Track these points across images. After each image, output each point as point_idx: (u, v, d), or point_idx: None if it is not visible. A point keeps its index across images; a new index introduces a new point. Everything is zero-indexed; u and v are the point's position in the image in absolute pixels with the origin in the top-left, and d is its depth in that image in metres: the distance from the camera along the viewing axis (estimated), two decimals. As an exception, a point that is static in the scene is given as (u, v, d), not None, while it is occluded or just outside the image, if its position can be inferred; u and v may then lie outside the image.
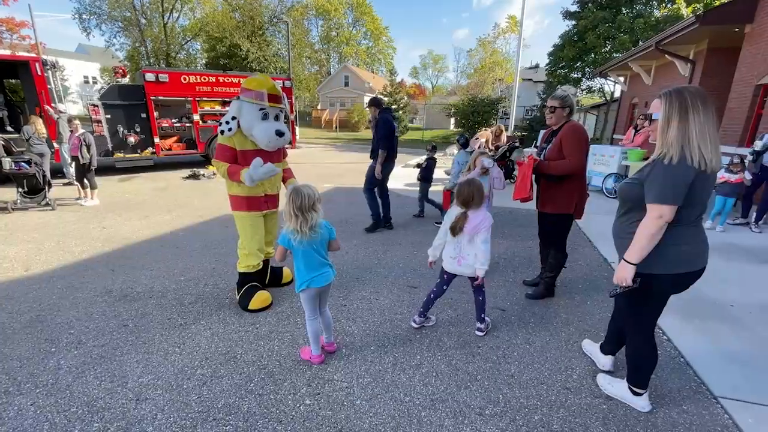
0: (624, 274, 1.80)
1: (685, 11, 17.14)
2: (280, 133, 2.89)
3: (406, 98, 28.77)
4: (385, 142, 4.93)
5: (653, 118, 1.76)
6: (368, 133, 28.31)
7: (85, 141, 6.30)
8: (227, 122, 2.84)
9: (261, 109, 2.84)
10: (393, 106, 26.10)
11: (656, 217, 1.67)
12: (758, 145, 5.49)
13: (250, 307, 2.99)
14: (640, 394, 2.04)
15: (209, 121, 10.78)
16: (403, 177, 10.00)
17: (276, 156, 3.12)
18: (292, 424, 1.92)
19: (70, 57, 39.02)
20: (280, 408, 2.02)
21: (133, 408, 1.99)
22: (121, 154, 9.61)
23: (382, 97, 5.03)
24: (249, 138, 2.93)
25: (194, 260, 4.08)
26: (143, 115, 9.74)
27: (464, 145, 5.46)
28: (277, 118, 2.98)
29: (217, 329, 2.76)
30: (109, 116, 9.33)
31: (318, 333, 2.38)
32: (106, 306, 3.08)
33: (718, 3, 14.65)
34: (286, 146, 3.30)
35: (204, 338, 2.65)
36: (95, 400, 2.04)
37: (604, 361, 2.35)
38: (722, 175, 5.35)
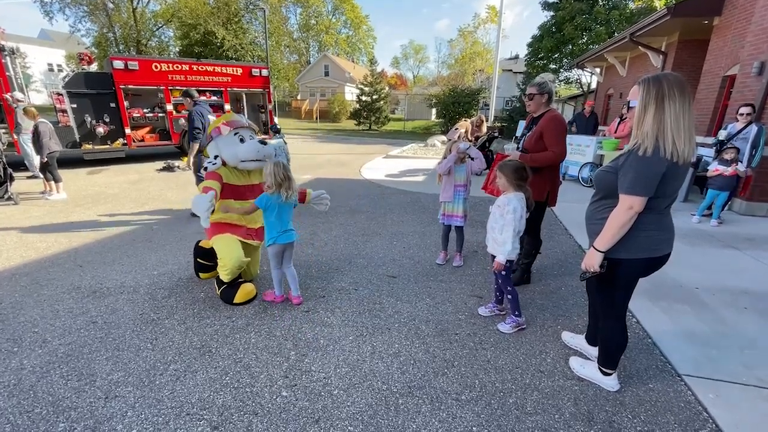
0: (592, 261, 1.85)
1: (658, 3, 17.56)
2: (263, 142, 3.15)
3: (387, 88, 28.49)
4: (198, 135, 4.92)
5: (631, 105, 1.78)
6: (350, 123, 28.07)
7: (36, 130, 5.91)
8: (210, 161, 3.02)
9: (236, 134, 3.07)
10: (374, 96, 25.81)
11: (627, 207, 1.71)
12: (722, 134, 5.58)
13: (236, 300, 2.93)
14: (609, 374, 2.12)
15: (183, 111, 10.43)
16: (384, 168, 9.98)
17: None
18: (268, 416, 1.90)
19: (32, 43, 36.80)
20: (256, 401, 2.00)
21: (101, 406, 1.93)
22: (90, 146, 9.21)
23: (194, 89, 4.96)
24: (237, 169, 3.09)
25: (168, 254, 3.97)
26: (112, 105, 9.33)
27: (276, 131, 5.80)
28: (251, 138, 3.18)
29: (192, 323, 2.70)
30: (74, 105, 8.89)
31: (281, 279, 2.99)
32: (73, 303, 2.96)
33: (689, -4, 15.03)
34: (264, 137, 3.45)
35: (178, 333, 2.58)
36: (61, 400, 1.97)
37: (593, 351, 2.36)
38: (716, 168, 5.13)
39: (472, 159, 3.54)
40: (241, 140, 3.08)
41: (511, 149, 3.02)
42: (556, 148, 2.88)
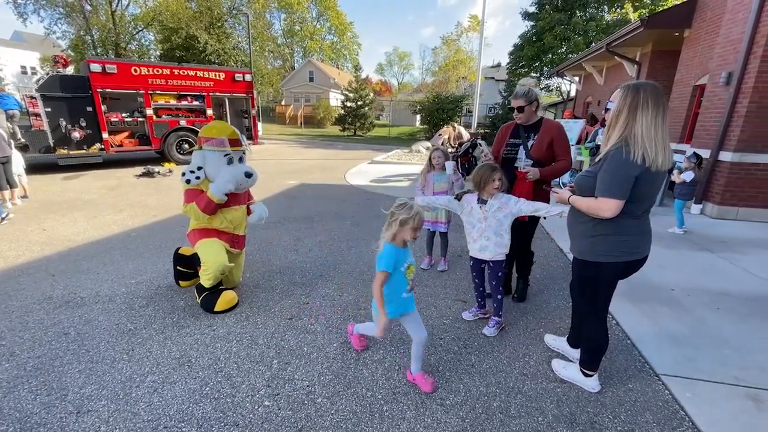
0: (563, 197, 2.01)
1: (632, 16, 18.25)
2: (248, 174, 2.98)
3: (371, 95, 28.60)
4: None
5: (607, 107, 1.85)
6: (335, 129, 28.01)
7: None
8: (192, 172, 2.84)
9: (226, 155, 2.90)
10: (359, 102, 25.86)
11: (605, 209, 1.76)
12: (599, 139, 5.84)
13: (217, 309, 2.86)
14: (591, 376, 2.15)
15: (164, 116, 10.22)
16: (369, 173, 9.98)
17: (243, 198, 3.18)
18: (249, 427, 1.85)
19: (5, 45, 35.59)
20: (237, 411, 1.95)
21: (73, 422, 1.85)
22: (65, 151, 8.89)
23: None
24: None
25: (147, 262, 3.85)
26: (89, 109, 9.05)
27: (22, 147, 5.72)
28: (241, 160, 3.05)
29: (171, 333, 2.62)
30: (49, 109, 8.58)
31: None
32: (44, 314, 2.83)
33: (661, 9, 15.70)
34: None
35: (156, 343, 2.50)
36: (29, 416, 1.87)
37: (574, 353, 2.39)
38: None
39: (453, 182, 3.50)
40: (230, 161, 2.92)
41: (524, 166, 2.88)
42: (568, 157, 2.84)
